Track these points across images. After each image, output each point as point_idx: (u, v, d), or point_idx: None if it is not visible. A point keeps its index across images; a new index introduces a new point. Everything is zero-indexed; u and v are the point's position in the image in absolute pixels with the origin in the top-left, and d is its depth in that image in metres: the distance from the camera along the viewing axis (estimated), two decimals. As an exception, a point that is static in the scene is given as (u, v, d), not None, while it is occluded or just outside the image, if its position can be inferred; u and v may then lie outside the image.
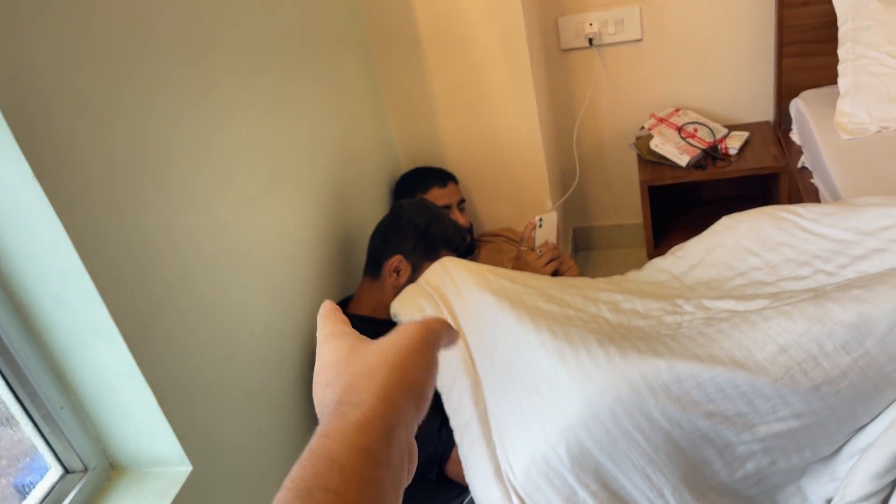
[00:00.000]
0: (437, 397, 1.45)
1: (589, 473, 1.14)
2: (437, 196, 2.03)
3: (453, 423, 1.34)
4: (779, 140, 2.22)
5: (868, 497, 1.08)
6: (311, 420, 1.52)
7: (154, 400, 1.09)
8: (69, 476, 1.12)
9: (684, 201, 2.55)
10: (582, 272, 2.70)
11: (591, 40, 2.31)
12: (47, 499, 1.08)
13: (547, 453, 1.15)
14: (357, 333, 0.50)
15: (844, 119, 1.89)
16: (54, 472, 1.11)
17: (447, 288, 1.54)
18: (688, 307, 1.37)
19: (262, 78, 1.47)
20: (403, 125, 2.17)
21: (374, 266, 1.65)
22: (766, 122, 2.35)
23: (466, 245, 2.07)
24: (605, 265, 2.66)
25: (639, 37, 2.31)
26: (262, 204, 1.43)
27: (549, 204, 2.22)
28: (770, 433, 1.13)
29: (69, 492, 1.10)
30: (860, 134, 1.84)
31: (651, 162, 2.27)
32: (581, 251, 2.80)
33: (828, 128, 1.91)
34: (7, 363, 1.02)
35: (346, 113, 1.87)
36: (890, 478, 1.06)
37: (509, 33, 1.95)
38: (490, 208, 2.27)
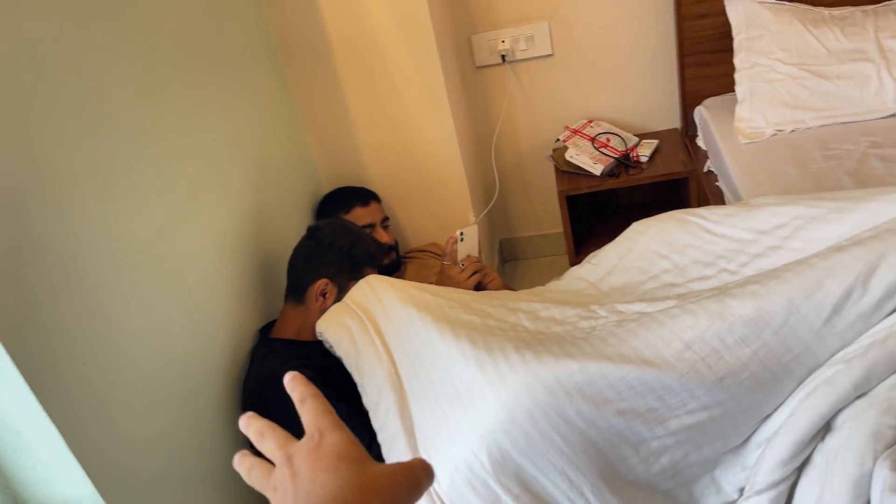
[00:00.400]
0: (366, 413, 1.45)
1: (510, 477, 1.15)
2: (360, 215, 2.04)
3: (380, 439, 1.34)
4: (686, 146, 2.32)
5: (776, 484, 1.13)
6: (236, 448, 1.49)
7: (62, 441, 1.05)
8: (-27, 527, 1.07)
9: (603, 208, 2.63)
10: (509, 281, 2.77)
11: (503, 57, 2.36)
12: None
13: (469, 460, 1.16)
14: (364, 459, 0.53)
15: (743, 124, 1.99)
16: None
17: (373, 305, 1.54)
18: (602, 312, 1.42)
19: (169, 103, 1.45)
20: (323, 146, 2.17)
21: (296, 291, 1.64)
22: (675, 130, 2.45)
23: (392, 262, 2.08)
24: (530, 274, 2.70)
25: (550, 52, 2.37)
26: (176, 231, 1.40)
27: (472, 217, 2.25)
28: (681, 426, 1.18)
29: (-26, 543, 1.05)
30: (758, 138, 1.94)
31: (568, 172, 2.33)
32: (508, 262, 2.84)
33: (728, 133, 2.01)
34: None
35: (262, 135, 1.86)
36: (795, 464, 1.11)
37: (422, 51, 1.98)
38: (415, 224, 2.29)
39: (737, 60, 2.07)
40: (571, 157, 2.29)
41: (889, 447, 1.01)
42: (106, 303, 1.17)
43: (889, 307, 1.09)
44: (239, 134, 1.73)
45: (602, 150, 2.30)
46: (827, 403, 1.08)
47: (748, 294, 1.17)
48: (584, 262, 1.71)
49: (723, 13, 2.11)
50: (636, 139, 2.37)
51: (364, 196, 2.08)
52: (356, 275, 1.63)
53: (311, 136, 2.14)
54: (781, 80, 1.96)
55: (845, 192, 1.29)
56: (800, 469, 1.12)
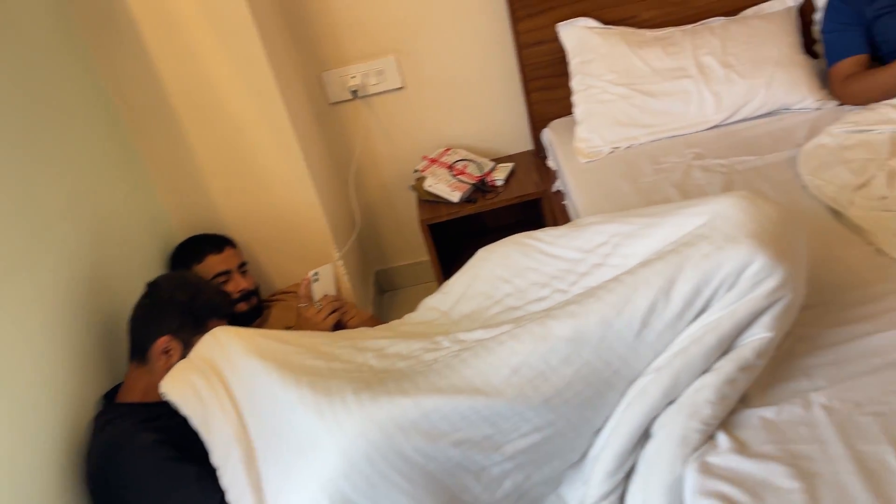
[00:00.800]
0: (215, 472, 1.41)
1: (356, 523, 1.15)
2: (214, 263, 1.99)
3: (230, 498, 1.31)
4: (539, 167, 2.40)
5: (606, 495, 1.17)
6: (80, 526, 1.41)
7: None
8: None
9: (472, 232, 2.68)
10: (387, 311, 2.77)
11: (354, 92, 2.38)
12: None
13: (314, 510, 1.15)
14: None
15: (582, 144, 2.08)
16: None
17: (219, 359, 1.50)
18: (445, 342, 1.43)
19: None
20: (174, 196, 2.11)
21: (139, 351, 1.58)
22: (529, 152, 2.53)
23: (253, 307, 2.04)
24: (407, 303, 2.72)
25: (400, 85, 2.41)
26: (-10, 304, 1.33)
27: (336, 254, 2.24)
28: (517, 450, 1.21)
29: None
30: (595, 156, 2.03)
31: (429, 201, 2.37)
32: (386, 292, 2.85)
33: (570, 153, 2.10)
34: None
35: (101, 192, 1.79)
36: (621, 475, 1.16)
37: (263, 95, 1.97)
38: (278, 266, 2.25)
39: (573, 83, 2.17)
40: (430, 186, 2.33)
41: (696, 450, 1.07)
42: None
43: (690, 315, 1.15)
44: (72, 193, 1.66)
45: (459, 177, 2.35)
46: (641, 413, 1.14)
47: (567, 315, 1.22)
48: (437, 290, 1.73)
49: (557, 39, 2.21)
50: (492, 164, 2.43)
51: (218, 243, 2.04)
52: (200, 328, 1.58)
53: (159, 188, 2.08)
54: (613, 101, 2.07)
55: (657, 207, 1.37)
56: (628, 477, 1.17)
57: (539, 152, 2.44)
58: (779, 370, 1.17)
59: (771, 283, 1.09)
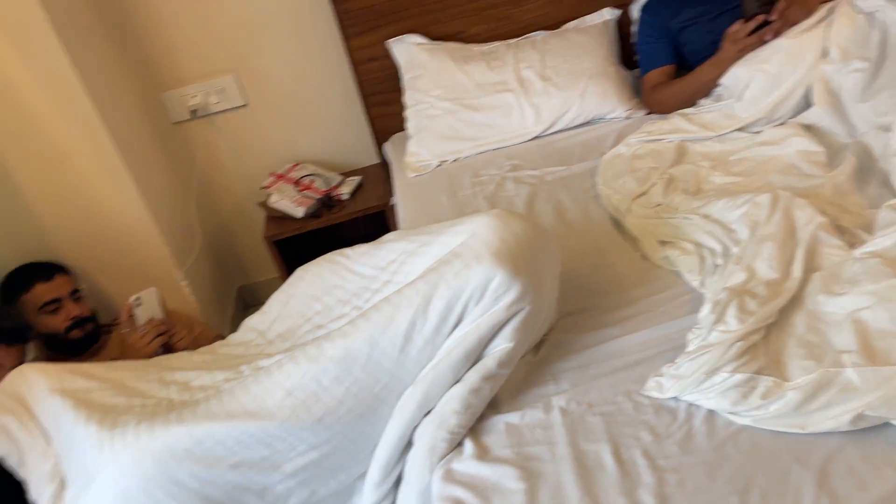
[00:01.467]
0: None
1: (139, 553, 1.17)
2: (43, 292, 1.96)
3: None
4: (385, 181, 2.45)
5: (377, 504, 1.24)
6: None
7: None
8: None
9: (327, 246, 2.69)
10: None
11: (194, 112, 2.38)
12: None
13: (92, 547, 1.17)
14: None
15: (412, 158, 2.15)
16: None
17: (27, 396, 1.49)
18: (247, 371, 1.47)
19: None
20: (1, 227, 2.06)
21: None
22: (378, 164, 2.58)
23: (88, 333, 2.02)
24: (269, 319, 2.73)
25: (243, 102, 2.43)
26: None
27: (177, 273, 2.24)
28: (296, 468, 1.25)
29: None
30: (424, 170, 2.10)
31: (276, 217, 2.39)
32: (251, 307, 2.85)
33: (402, 167, 2.16)
34: None
35: None
36: (387, 485, 1.23)
37: (84, 122, 1.95)
38: (119, 290, 2.23)
39: (405, 99, 2.23)
40: (274, 202, 2.35)
41: (443, 458, 1.14)
42: None
43: (446, 330, 1.22)
44: None
45: (304, 192, 2.38)
46: (400, 425, 1.20)
47: (339, 335, 1.27)
48: (258, 311, 1.76)
49: (389, 56, 2.27)
50: (340, 178, 2.47)
51: (47, 271, 2.00)
52: None
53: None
54: (440, 116, 2.14)
55: (436, 226, 1.43)
56: (395, 488, 1.24)
57: (386, 165, 2.50)
58: (531, 376, 1.25)
59: (509, 296, 1.17)
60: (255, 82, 2.41)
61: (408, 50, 2.24)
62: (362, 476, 1.34)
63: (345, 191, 2.40)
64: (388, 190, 2.39)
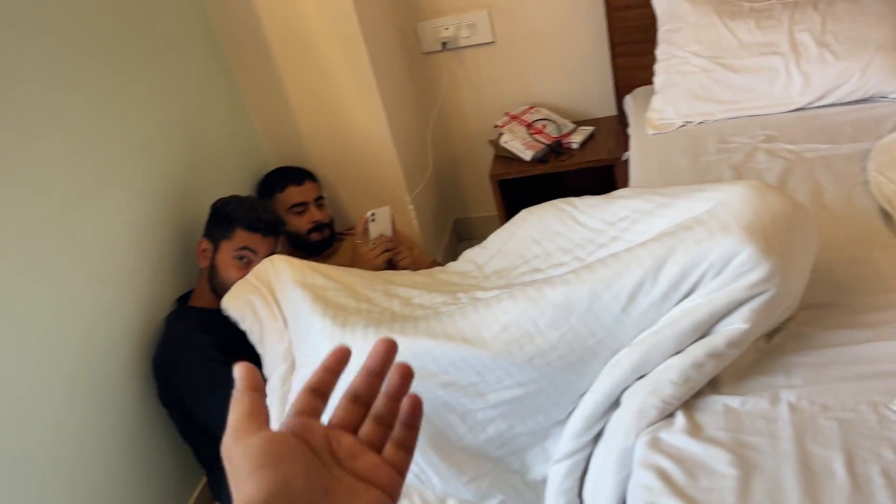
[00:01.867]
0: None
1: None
2: (294, 194, 2.17)
3: (267, 402, 1.50)
4: (618, 134, 2.38)
5: (572, 454, 1.24)
6: (141, 402, 1.66)
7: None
8: None
9: (547, 193, 2.69)
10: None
11: (444, 44, 2.45)
12: None
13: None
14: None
15: (654, 115, 2.05)
16: None
17: (274, 282, 1.69)
18: (464, 299, 1.53)
19: (85, 86, 1.59)
20: (268, 128, 2.30)
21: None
22: (614, 117, 2.51)
23: (325, 238, 2.21)
24: (480, 254, 2.81)
25: (491, 39, 2.45)
26: (84, 208, 1.56)
27: (406, 197, 2.37)
28: (500, 400, 1.29)
29: None
30: (665, 129, 2.00)
31: (503, 157, 2.42)
32: (463, 240, 2.96)
33: (642, 123, 2.08)
34: None
35: (198, 118, 2.00)
36: (587, 437, 1.22)
37: (348, 42, 2.09)
38: (355, 203, 2.42)
39: (657, 52, 2.13)
40: (505, 142, 2.38)
41: (651, 425, 1.11)
42: (8, 271, 1.34)
43: (675, 297, 1.17)
44: (170, 115, 1.88)
45: (536, 136, 2.38)
46: (611, 383, 1.19)
47: (561, 282, 1.27)
48: (479, 244, 1.82)
49: (649, 4, 2.16)
50: (572, 126, 2.44)
51: (299, 175, 2.21)
52: (227, 233, 1.77)
53: (256, 120, 2.28)
54: (693, 73, 2.01)
55: (678, 188, 1.36)
56: (595, 441, 1.23)
57: (622, 119, 2.42)
58: (760, 363, 1.17)
59: (755, 275, 1.09)
60: (506, 20, 2.42)
61: (670, 0, 2.11)
62: (560, 422, 1.36)
63: (576, 140, 2.36)
64: (620, 145, 2.32)
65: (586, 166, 2.28)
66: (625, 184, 2.12)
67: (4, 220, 1.37)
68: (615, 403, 1.20)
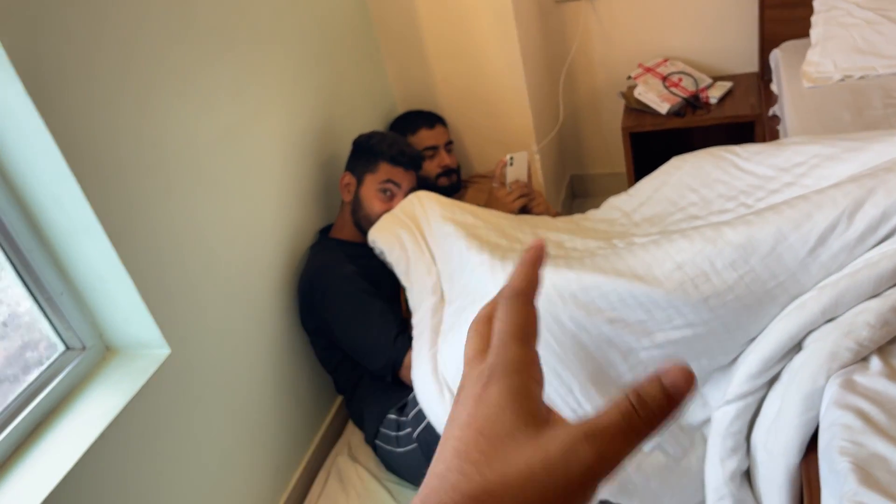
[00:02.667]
0: (395, 311, 1.64)
1: (504, 369, 1.30)
2: (425, 137, 2.18)
3: (414, 333, 1.53)
4: (760, 90, 2.29)
5: (744, 395, 1.22)
6: (287, 328, 1.72)
7: (136, 291, 1.30)
8: (69, 352, 1.35)
9: (675, 151, 2.63)
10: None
11: (581, -9, 2.40)
12: (50, 368, 1.30)
13: (469, 351, 1.32)
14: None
15: (811, 68, 1.96)
16: (57, 349, 1.34)
17: (421, 217, 1.71)
18: (620, 244, 1.51)
19: (246, 20, 1.64)
20: (399, 70, 2.32)
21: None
22: (753, 74, 2.41)
23: (452, 184, 2.23)
24: (596, 211, 2.77)
25: (630, -12, 2.39)
26: (244, 133, 1.61)
27: (534, 147, 2.35)
28: (667, 340, 1.28)
29: (67, 365, 1.32)
30: (823, 83, 1.91)
31: (636, 110, 2.37)
32: (577, 198, 2.92)
33: (795, 76, 1.99)
34: (14, 253, 1.24)
35: (339, 55, 2.03)
36: (763, 379, 1.20)
37: (491, -16, 2.07)
38: (479, 151, 2.41)
39: (816, 3, 2.03)
40: (639, 94, 2.32)
41: (844, 367, 1.08)
42: (178, 184, 1.40)
43: (872, 241, 1.13)
44: (315, 51, 1.91)
45: (672, 89, 2.32)
46: (796, 325, 1.15)
47: (742, 222, 1.24)
48: (624, 192, 1.79)
49: (808, -47, 2.06)
50: (709, 80, 2.36)
51: (430, 119, 2.22)
52: (371, 166, 1.79)
53: (387, 60, 2.30)
54: (856, 25, 1.91)
55: (864, 133, 1.30)
56: (770, 385, 1.21)
57: (764, 75, 2.32)
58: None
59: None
60: (646, -32, 2.35)
61: (833, -52, 2.00)
62: (722, 368, 1.33)
63: (714, 94, 2.29)
64: (760, 101, 2.24)
65: (726, 121, 2.21)
66: (770, 139, 2.04)
67: (183, 135, 1.42)
68: (796, 346, 1.17)
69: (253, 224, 1.62)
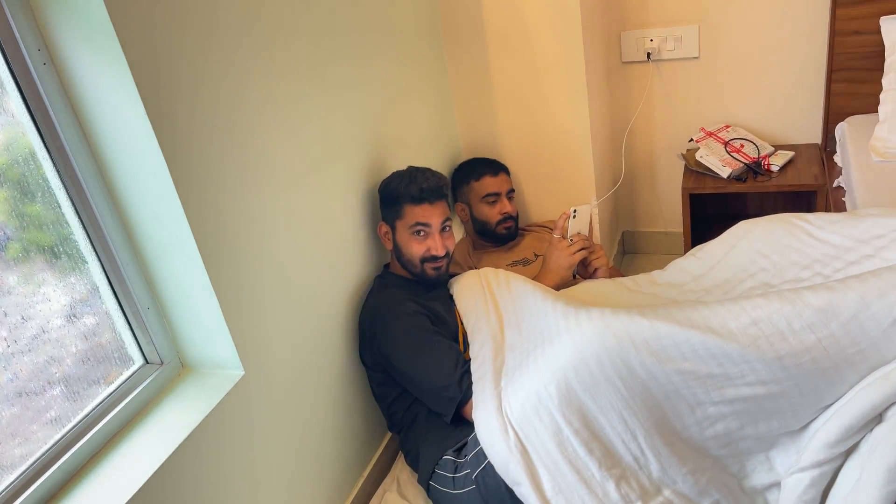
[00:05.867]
0: (458, 351, 1.66)
1: (573, 412, 1.31)
2: (489, 184, 2.23)
3: (474, 377, 1.54)
4: (822, 161, 2.31)
5: (821, 464, 1.21)
6: (351, 355, 1.75)
7: (220, 311, 1.33)
8: (147, 366, 1.38)
9: (729, 216, 2.64)
10: (626, 274, 2.86)
11: (649, 55, 2.46)
12: (128, 382, 1.33)
13: (539, 391, 1.33)
14: None
15: (879, 143, 1.98)
16: (137, 362, 1.37)
17: (493, 280, 1.77)
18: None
19: (337, 64, 1.71)
20: (467, 118, 2.38)
21: None
22: (814, 145, 2.43)
23: (510, 231, 2.26)
24: (647, 269, 2.77)
25: (696, 54, 2.44)
26: (328, 167, 1.66)
27: (593, 202, 2.38)
28: (738, 396, 1.27)
29: (145, 379, 1.35)
30: (892, 157, 1.92)
31: (696, 172, 2.40)
32: (628, 253, 2.94)
33: (863, 150, 2.01)
34: (110, 265, 1.29)
35: (414, 101, 2.09)
36: (841, 448, 1.19)
37: (568, 42, 2.13)
38: (538, 201, 2.45)
39: (885, 81, 2.05)
40: (702, 157, 2.36)
41: (929, 442, 1.07)
42: (268, 211, 1.45)
43: (959, 317, 1.13)
44: (393, 93, 1.97)
45: (734, 154, 2.35)
46: (880, 395, 1.15)
47: (824, 288, 1.25)
48: (688, 254, 1.80)
49: (877, 31, 2.09)
50: (772, 149, 2.39)
51: (495, 167, 2.27)
52: (398, 212, 1.78)
53: (457, 108, 2.36)
54: (926, 105, 1.93)
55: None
56: (847, 454, 1.19)
57: (826, 146, 2.34)
58: None
59: None
60: (714, 36, 2.40)
61: (904, 28, 2.04)
62: (792, 434, 1.32)
63: (776, 162, 2.31)
64: (822, 171, 2.25)
65: (788, 189, 2.22)
66: (835, 210, 2.05)
67: (277, 166, 1.48)
68: (877, 417, 1.17)
69: (328, 255, 1.66)
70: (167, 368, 1.39)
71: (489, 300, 1.70)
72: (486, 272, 1.80)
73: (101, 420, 1.26)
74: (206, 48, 1.29)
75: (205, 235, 1.28)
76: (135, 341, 1.36)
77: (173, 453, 1.22)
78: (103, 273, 1.29)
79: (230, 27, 1.35)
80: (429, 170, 1.84)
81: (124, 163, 1.23)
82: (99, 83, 1.15)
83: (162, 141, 1.18)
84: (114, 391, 1.30)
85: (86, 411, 1.25)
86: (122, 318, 1.33)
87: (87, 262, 1.27)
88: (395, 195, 1.78)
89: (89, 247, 1.26)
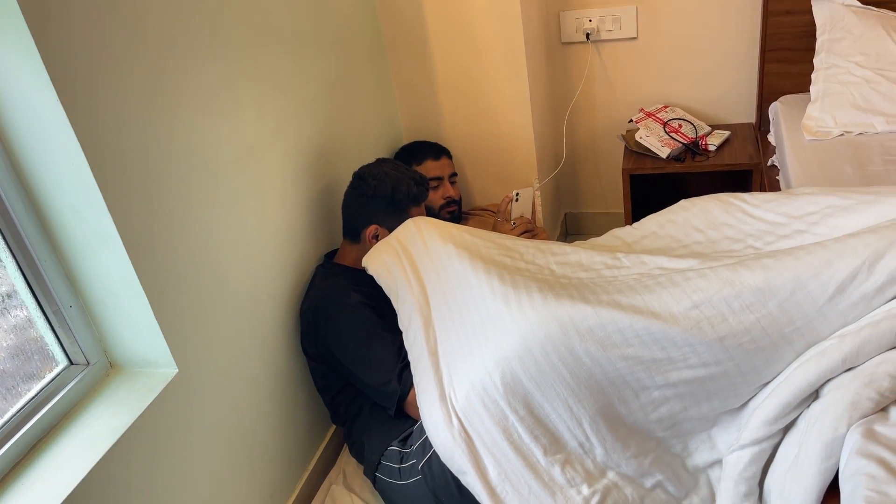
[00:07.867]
0: (401, 343, 1.60)
1: (519, 400, 1.30)
2: (430, 168, 2.19)
3: (410, 357, 1.50)
4: (757, 141, 2.35)
5: (759, 441, 1.22)
6: (291, 348, 1.70)
7: (149, 307, 1.27)
8: (72, 367, 1.30)
9: (669, 196, 2.67)
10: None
11: (588, 35, 2.45)
12: (51, 384, 1.26)
13: (484, 381, 1.31)
14: None
15: (811, 122, 2.02)
16: (60, 364, 1.29)
17: (413, 242, 1.66)
18: (626, 261, 1.51)
19: (271, 42, 1.64)
20: (408, 102, 2.33)
21: (352, 233, 1.79)
22: (749, 124, 2.48)
23: (453, 215, 2.23)
24: (590, 250, 2.80)
25: (634, 35, 2.45)
26: (262, 154, 1.60)
27: (535, 182, 2.37)
28: (681, 379, 1.28)
29: (70, 381, 1.28)
30: (823, 136, 1.97)
31: (636, 153, 2.41)
32: (571, 235, 2.95)
33: (795, 129, 2.05)
34: (27, 263, 1.21)
35: (352, 83, 2.04)
36: (779, 425, 1.21)
37: (508, 23, 2.10)
38: (481, 184, 2.43)
39: (816, 60, 2.10)
40: (641, 137, 2.37)
41: (865, 416, 1.09)
42: (198, 201, 1.38)
43: (891, 293, 1.16)
44: (331, 77, 1.91)
45: (672, 134, 2.37)
46: (816, 372, 1.17)
47: (760, 266, 1.26)
48: (628, 226, 1.80)
49: (809, 12, 2.13)
50: (708, 129, 2.42)
51: (437, 151, 2.23)
52: (402, 216, 1.76)
53: (398, 92, 2.31)
54: (856, 83, 1.98)
55: (879, 188, 1.34)
56: (785, 431, 1.22)
57: (761, 126, 2.39)
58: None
59: None
60: (652, 17, 2.41)
61: (833, 9, 2.08)
62: (732, 412, 1.34)
63: (713, 142, 2.34)
64: (757, 151, 2.30)
65: (726, 169, 2.26)
66: (768, 189, 2.09)
67: (207, 152, 1.41)
68: (813, 394, 1.19)
69: (264, 245, 1.60)
70: (93, 369, 1.32)
71: (406, 266, 1.60)
72: (396, 232, 1.69)
73: (20, 428, 1.18)
74: (123, 28, 1.21)
75: (130, 228, 1.21)
76: (57, 342, 1.28)
77: (102, 458, 1.16)
78: (19, 271, 1.20)
79: (151, 9, 1.27)
80: (411, 169, 1.83)
81: (38, 153, 1.14)
82: (4, 65, 1.07)
83: (77, 129, 1.11)
84: (35, 395, 1.23)
85: (3, 419, 1.17)
86: (43, 318, 1.25)
87: (1, 261, 1.19)
88: (402, 202, 1.76)
89: (2, 244, 1.18)
